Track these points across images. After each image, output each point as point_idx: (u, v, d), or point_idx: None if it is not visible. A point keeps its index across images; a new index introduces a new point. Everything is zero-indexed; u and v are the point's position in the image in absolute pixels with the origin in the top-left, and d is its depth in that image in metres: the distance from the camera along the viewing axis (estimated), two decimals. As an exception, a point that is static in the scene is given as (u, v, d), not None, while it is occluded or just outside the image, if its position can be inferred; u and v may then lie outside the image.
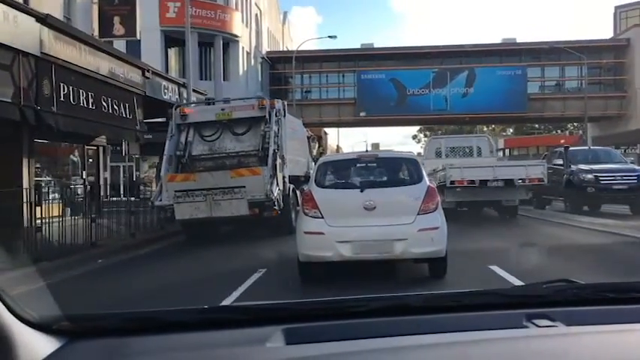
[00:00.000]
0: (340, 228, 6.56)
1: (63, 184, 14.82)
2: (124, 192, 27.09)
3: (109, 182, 25.08)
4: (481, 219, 15.76)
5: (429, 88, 40.52)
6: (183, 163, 12.82)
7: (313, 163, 13.38)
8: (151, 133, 21.06)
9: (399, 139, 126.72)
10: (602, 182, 15.05)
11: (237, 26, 34.74)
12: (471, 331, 1.45)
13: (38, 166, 15.71)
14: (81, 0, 17.58)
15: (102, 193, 16.88)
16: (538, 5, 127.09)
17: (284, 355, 1.35)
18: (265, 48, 42.21)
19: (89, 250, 10.41)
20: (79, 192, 14.32)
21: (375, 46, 43.56)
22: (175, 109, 13.30)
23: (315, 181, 7.12)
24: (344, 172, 7.50)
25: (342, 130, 55.28)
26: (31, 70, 9.83)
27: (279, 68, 42.27)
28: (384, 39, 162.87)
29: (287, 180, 12.67)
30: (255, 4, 39.64)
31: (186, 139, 12.99)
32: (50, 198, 11.68)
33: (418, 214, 6.58)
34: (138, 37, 18.68)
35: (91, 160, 17.40)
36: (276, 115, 12.67)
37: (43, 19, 9.95)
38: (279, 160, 12.20)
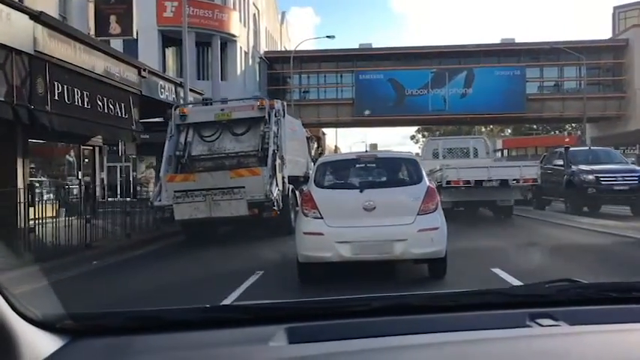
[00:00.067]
0: (340, 228, 6.52)
1: (58, 184, 14.68)
2: (120, 192, 27.02)
3: (105, 183, 24.96)
4: (480, 220, 15.66)
5: (428, 89, 40.41)
6: (182, 163, 12.80)
7: (312, 164, 13.30)
8: (148, 133, 20.92)
9: (397, 140, 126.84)
10: (603, 183, 14.92)
11: (235, 26, 34.59)
12: (474, 330, 1.45)
13: (33, 166, 15.56)
14: (77, -2, 17.42)
15: (98, 194, 16.73)
16: (537, 6, 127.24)
17: (287, 354, 1.35)
18: (263, 48, 42.07)
19: (83, 251, 10.25)
20: (75, 192, 14.19)
21: (374, 46, 43.46)
22: (175, 110, 13.29)
23: (315, 181, 7.09)
24: (343, 172, 7.46)
25: (340, 130, 55.23)
26: (24, 69, 9.67)
27: (277, 68, 42.14)
28: (383, 39, 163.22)
29: (286, 180, 12.66)
30: (253, 4, 39.49)
31: (186, 139, 12.98)
32: (45, 198, 11.58)
33: (418, 214, 6.55)
34: (134, 36, 18.49)
35: (86, 160, 17.25)
36: (275, 116, 12.66)
37: (37, 17, 9.79)
38: (278, 161, 12.19)
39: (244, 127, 12.99)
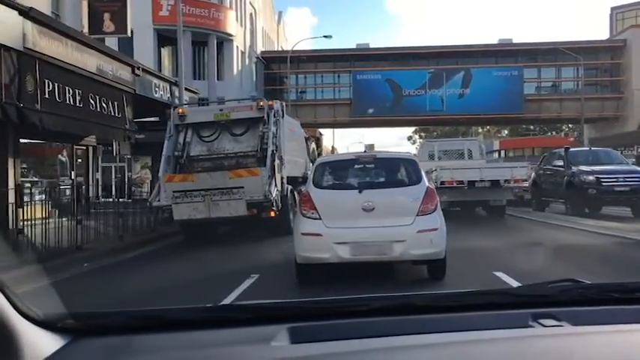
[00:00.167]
0: (338, 229, 6.47)
1: (50, 184, 14.41)
2: (115, 193, 26.73)
3: (100, 183, 24.66)
4: (479, 221, 15.49)
5: (425, 89, 40.27)
6: (181, 163, 12.77)
7: (311, 164, 13.26)
8: (143, 132, 20.64)
9: (394, 141, 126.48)
10: (604, 184, 14.72)
11: (232, 25, 34.33)
12: (476, 330, 1.44)
13: (25, 166, 15.32)
14: (70, -4, 17.15)
15: (92, 194, 16.47)
16: (534, 6, 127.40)
17: (289, 353, 1.35)
18: (260, 48, 41.82)
19: (74, 253, 9.97)
20: (68, 193, 13.93)
21: (371, 47, 43.26)
22: (174, 110, 13.28)
23: (313, 181, 7.02)
24: (342, 172, 7.43)
25: (337, 130, 55.09)
26: (13, 66, 9.39)
27: (274, 68, 41.92)
28: (380, 40, 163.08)
29: (285, 181, 12.64)
30: (250, 4, 39.25)
31: (185, 139, 12.95)
32: (37, 199, 11.30)
33: (417, 215, 6.50)
34: (129, 35, 18.23)
35: (79, 160, 17.00)
36: (274, 116, 12.64)
37: (26, 13, 9.52)
38: (277, 161, 12.17)
39: (243, 128, 12.97)
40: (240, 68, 36.65)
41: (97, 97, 12.32)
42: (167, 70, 30.72)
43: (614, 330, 1.46)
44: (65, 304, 1.78)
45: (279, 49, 48.13)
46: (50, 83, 10.46)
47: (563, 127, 63.56)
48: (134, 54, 25.11)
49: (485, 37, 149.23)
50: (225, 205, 11.27)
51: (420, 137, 72.51)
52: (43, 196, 11.52)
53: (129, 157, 27.28)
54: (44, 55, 10.24)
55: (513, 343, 1.40)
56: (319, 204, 6.66)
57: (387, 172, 7.44)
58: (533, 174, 19.07)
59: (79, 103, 11.49)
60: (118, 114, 13.32)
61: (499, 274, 6.99)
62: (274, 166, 12.00)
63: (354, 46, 42.85)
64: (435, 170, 15.42)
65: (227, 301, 6.08)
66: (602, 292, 1.69)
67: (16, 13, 9.33)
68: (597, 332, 1.45)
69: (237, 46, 35.86)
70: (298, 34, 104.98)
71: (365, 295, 1.66)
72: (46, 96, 10.32)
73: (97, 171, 25.44)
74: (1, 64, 9.11)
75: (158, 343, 1.45)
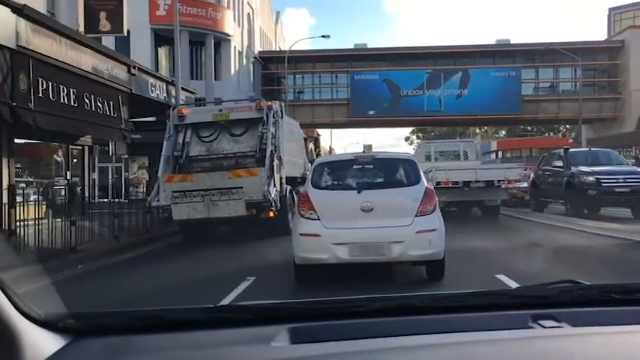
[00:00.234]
0: (337, 230, 6.45)
1: (45, 185, 14.25)
2: (112, 193, 26.58)
3: (97, 183, 24.48)
4: (478, 223, 15.36)
5: (423, 89, 40.14)
6: (180, 163, 12.79)
7: (310, 165, 13.28)
8: (140, 132, 20.50)
9: (392, 141, 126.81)
10: (604, 185, 14.60)
11: (229, 25, 34.18)
12: (476, 331, 1.44)
13: (19, 166, 15.14)
14: (66, -6, 16.98)
15: (88, 194, 16.30)
16: (532, 7, 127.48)
17: (289, 354, 1.35)
18: (257, 48, 41.66)
19: (68, 255, 9.81)
20: (63, 193, 13.76)
21: (369, 47, 43.13)
22: (173, 110, 13.32)
23: (312, 182, 6.99)
24: (341, 173, 7.37)
25: (335, 131, 54.94)
26: (6, 64, 9.24)
27: (272, 68, 41.75)
28: (378, 41, 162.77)
29: (284, 181, 12.70)
30: (248, 3, 39.09)
31: (184, 139, 12.97)
32: (32, 200, 11.13)
33: (416, 215, 6.49)
34: (125, 34, 18.05)
35: (75, 160, 16.82)
36: (273, 117, 12.68)
37: (20, 10, 9.37)
38: (276, 161, 12.20)
39: (242, 128, 12.99)
40: (237, 68, 36.49)
41: (92, 97, 12.17)
42: (164, 70, 30.55)
43: (614, 331, 1.46)
44: (66, 305, 1.77)
45: (277, 49, 47.95)
46: (44, 82, 10.31)
47: (561, 128, 63.58)
48: (131, 54, 24.94)
49: (483, 38, 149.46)
50: (224, 205, 11.30)
51: (418, 138, 72.47)
52: (37, 197, 11.34)
53: (126, 157, 27.15)
54: (38, 53, 10.10)
55: (513, 344, 1.40)
56: (318, 204, 6.61)
57: (386, 172, 7.41)
58: (532, 174, 19.01)
59: (74, 103, 11.34)
60: (114, 113, 13.17)
61: (501, 276, 6.86)
62: (273, 166, 12.02)
63: (351, 47, 42.72)
64: (431, 171, 15.60)
65: (223, 303, 5.95)
66: (603, 293, 1.69)
67: (8, 10, 9.20)
68: (597, 333, 1.45)
69: (234, 46, 35.71)
70: (296, 34, 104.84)
71: (364, 296, 1.65)
72: (40, 95, 10.18)
73: (94, 171, 25.27)
74: (-7, 62, 8.96)
75: (158, 344, 1.45)
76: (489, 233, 12.81)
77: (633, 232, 11.17)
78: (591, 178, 14.81)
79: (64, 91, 10.95)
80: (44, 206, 11.40)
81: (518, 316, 1.53)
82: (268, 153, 12.10)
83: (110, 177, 28.82)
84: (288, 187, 12.97)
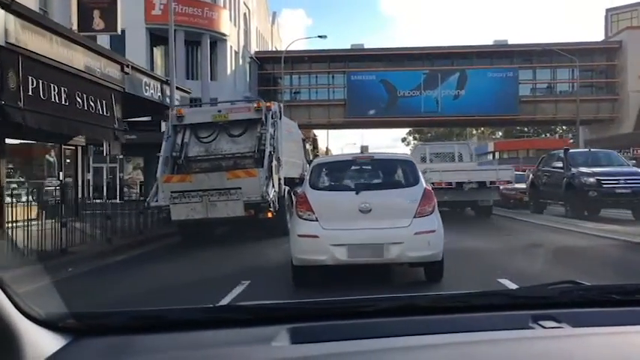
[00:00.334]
0: (335, 231, 6.41)
1: (37, 185, 13.99)
2: (107, 194, 26.33)
3: (91, 184, 24.22)
4: (478, 225, 15.18)
5: (420, 90, 39.96)
6: (179, 164, 12.82)
7: (308, 165, 13.39)
8: (134, 133, 20.25)
9: (388, 142, 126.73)
10: (605, 186, 14.41)
11: (225, 25, 33.94)
12: (477, 331, 1.44)
13: (11, 166, 14.88)
14: (58, -8, 16.73)
15: (82, 195, 16.04)
16: (529, 8, 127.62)
17: (289, 354, 1.35)
18: (254, 48, 41.43)
19: (59, 257, 9.57)
20: (55, 194, 13.51)
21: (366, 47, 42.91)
22: (172, 111, 13.38)
23: (310, 182, 6.95)
24: (339, 173, 7.37)
25: (331, 132, 54.69)
26: (-6, 61, 8.99)
27: (268, 68, 41.54)
28: (375, 41, 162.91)
29: (282, 182, 12.77)
30: (244, 3, 38.87)
31: (183, 140, 12.99)
32: (22, 200, 10.89)
33: (414, 217, 6.46)
34: (119, 32, 17.81)
35: (68, 160, 16.56)
36: (272, 118, 12.74)
37: (8, 6, 9.11)
38: (274, 162, 12.24)
39: (241, 129, 13.01)
40: (233, 68, 36.25)
41: (85, 96, 11.91)
42: (160, 70, 30.28)
43: (614, 332, 1.46)
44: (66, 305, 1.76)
45: (273, 49, 47.74)
46: (34, 80, 10.06)
47: (557, 129, 63.52)
48: (126, 53, 24.67)
49: (481, 39, 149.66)
50: (222, 205, 11.34)
51: (414, 139, 72.37)
52: (29, 198, 11.08)
53: (120, 157, 26.88)
54: (27, 50, 9.83)
55: (513, 345, 1.40)
56: (316, 205, 6.55)
57: (385, 173, 7.36)
58: (530, 176, 18.86)
59: (65, 101, 11.08)
60: (107, 113, 12.92)
61: (504, 281, 6.65)
62: (272, 167, 12.05)
63: (348, 47, 42.51)
64: (426, 172, 15.70)
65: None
66: (603, 293, 1.69)
67: (-3, 6, 8.93)
68: (597, 334, 1.45)
69: (230, 46, 35.46)
70: (293, 35, 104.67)
71: (365, 296, 1.65)
72: (30, 93, 9.92)
73: (89, 172, 24.99)
74: (-20, 59, 8.70)
75: (159, 344, 1.45)
76: (490, 235, 12.62)
77: (635, 234, 10.98)
78: (592, 179, 14.63)
79: (54, 90, 10.69)
80: (35, 207, 11.15)
81: (519, 316, 1.53)
82: (267, 154, 12.11)
83: (105, 178, 28.56)
84: (287, 188, 13.00)
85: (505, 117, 41.43)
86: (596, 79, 40.84)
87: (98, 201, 18.29)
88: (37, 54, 10.14)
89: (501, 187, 20.00)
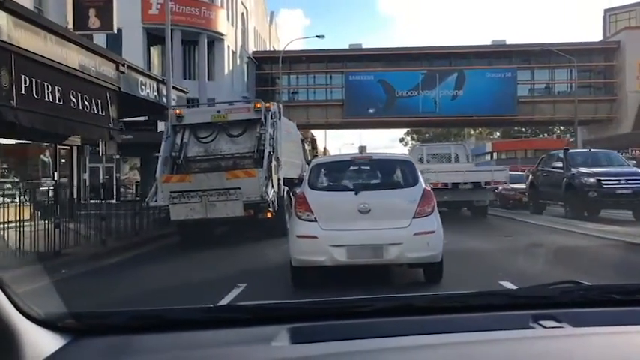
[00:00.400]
0: (334, 231, 6.38)
1: (33, 186, 13.83)
2: (103, 194, 26.15)
3: (88, 184, 24.03)
4: (478, 227, 15.06)
5: (418, 90, 39.84)
6: (178, 164, 12.85)
7: (307, 166, 13.35)
8: (131, 133, 20.08)
9: (386, 143, 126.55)
10: (605, 186, 14.28)
11: (223, 24, 33.77)
12: (477, 331, 1.44)
13: (5, 167, 14.72)
14: (54, -10, 16.56)
15: (77, 196, 15.87)
16: (528, 8, 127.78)
17: (289, 353, 1.35)
18: (251, 48, 41.26)
19: (52, 259, 9.39)
20: (51, 195, 13.35)
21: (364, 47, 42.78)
22: (171, 111, 13.44)
23: (309, 183, 6.91)
24: (338, 174, 7.35)
25: (329, 132, 54.57)
26: (-15, 59, 8.83)
27: (266, 68, 41.38)
28: (373, 42, 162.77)
29: (282, 182, 12.82)
30: (242, 3, 38.70)
31: (182, 140, 13.02)
32: (17, 201, 10.72)
33: (414, 217, 6.44)
34: (115, 31, 17.65)
35: (63, 160, 16.40)
36: (271, 118, 12.76)
37: (1, 4, 8.96)
38: (274, 163, 12.26)
39: (240, 129, 13.04)
40: (231, 68, 36.08)
41: (79, 95, 11.76)
42: (157, 70, 30.11)
43: (614, 331, 1.45)
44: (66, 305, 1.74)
45: (271, 49, 47.58)
46: (27, 79, 9.90)
47: (555, 130, 63.48)
48: (123, 53, 24.49)
49: (479, 39, 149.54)
50: (222, 205, 11.36)
51: (412, 139, 72.24)
52: (19, 198, 10.91)
53: (117, 157, 26.72)
54: (20, 48, 9.68)
55: (514, 345, 1.40)
56: (315, 206, 6.52)
57: (384, 173, 7.35)
58: (530, 176, 18.76)
59: (59, 100, 10.92)
60: (102, 112, 12.76)
61: (505, 283, 6.51)
62: (271, 167, 12.07)
63: (346, 47, 42.39)
64: (423, 173, 15.84)
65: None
66: (603, 293, 1.69)
67: (-11, 3, 8.78)
68: (598, 333, 1.45)
69: (228, 46, 35.30)
70: (290, 35, 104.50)
71: (365, 296, 1.65)
72: (23, 92, 9.76)
73: (85, 172, 24.80)
74: (-28, 57, 8.54)
75: (158, 343, 1.44)
76: (490, 236, 12.50)
77: (637, 234, 10.85)
78: (592, 180, 14.51)
79: (48, 89, 10.53)
80: (28, 208, 10.98)
81: (519, 316, 1.53)
82: (266, 154, 12.12)
83: (101, 178, 28.37)
84: (286, 189, 13.04)
85: (503, 117, 41.34)
86: (595, 79, 40.79)
87: (93, 201, 18.12)
88: (31, 52, 10.00)
89: (500, 188, 20.09)
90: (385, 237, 6.31)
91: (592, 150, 18.23)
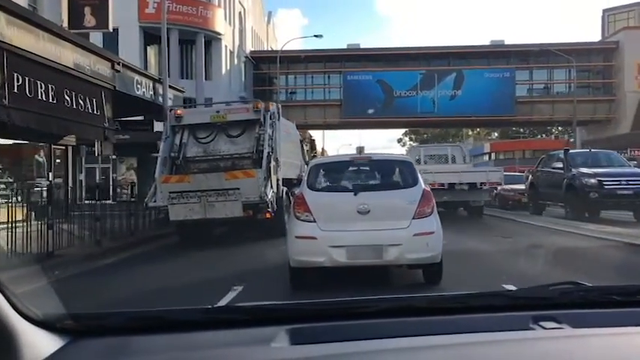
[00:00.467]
0: (333, 232, 6.34)
1: (27, 186, 13.65)
2: (99, 195, 25.94)
3: (84, 184, 23.85)
4: (478, 228, 14.92)
5: (417, 90, 39.71)
6: (177, 164, 12.88)
7: (306, 166, 13.34)
8: (127, 132, 19.89)
9: (384, 143, 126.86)
10: (607, 187, 14.14)
11: (220, 24, 33.60)
12: (477, 332, 1.44)
13: (0, 167, 14.56)
14: (48, -12, 16.41)
15: (71, 196, 15.69)
16: (526, 8, 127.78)
17: (288, 355, 1.35)
18: (249, 47, 41.08)
19: (45, 260, 9.22)
20: (45, 195, 13.19)
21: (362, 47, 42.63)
22: (170, 112, 13.45)
23: (307, 183, 6.86)
24: (337, 174, 7.26)
25: (327, 132, 54.40)
26: (-23, 57, 8.64)
27: (264, 68, 41.19)
28: (371, 42, 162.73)
29: (281, 182, 12.82)
30: (239, 2, 38.53)
31: (181, 140, 13.04)
32: (8, 201, 10.56)
33: (413, 218, 6.40)
34: (110, 29, 17.51)
35: (58, 160, 16.22)
36: (270, 118, 12.76)
37: (-7, 0, 8.76)
38: (273, 163, 12.27)
39: (239, 130, 13.03)
40: (228, 68, 35.90)
41: (73, 93, 11.56)
42: (154, 70, 29.90)
43: (614, 332, 1.45)
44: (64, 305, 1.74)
45: (269, 49, 47.40)
46: (19, 77, 9.71)
47: (553, 130, 63.42)
48: (119, 52, 24.31)
49: (478, 39, 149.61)
50: (221, 206, 11.37)
51: (410, 139, 72.11)
52: (12, 199, 10.72)
53: (113, 157, 26.53)
54: (13, 46, 9.49)
55: (514, 346, 1.40)
56: (313, 206, 6.47)
57: (383, 174, 7.31)
58: (529, 177, 18.64)
59: (53, 99, 10.73)
60: (97, 111, 12.57)
61: (509, 287, 6.35)
62: (270, 167, 12.07)
63: (344, 47, 42.23)
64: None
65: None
66: (603, 294, 1.69)
67: (-20, -1, 8.59)
68: (598, 335, 1.44)
69: (225, 46, 35.12)
70: (288, 35, 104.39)
71: (365, 297, 1.65)
72: (15, 90, 9.57)
73: (81, 172, 24.61)
74: (-38, 54, 8.35)
75: (157, 344, 1.44)
76: (490, 237, 12.35)
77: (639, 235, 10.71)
78: (593, 180, 14.37)
79: (41, 87, 10.34)
80: (21, 208, 10.80)
81: (519, 317, 1.53)
82: (265, 154, 12.11)
83: (97, 178, 28.17)
84: (285, 189, 13.03)
85: (502, 117, 41.24)
86: (593, 79, 40.69)
87: (87, 202, 17.94)
88: (24, 50, 9.81)
89: (499, 188, 20.04)
90: (384, 238, 6.26)
91: (592, 150, 18.08)
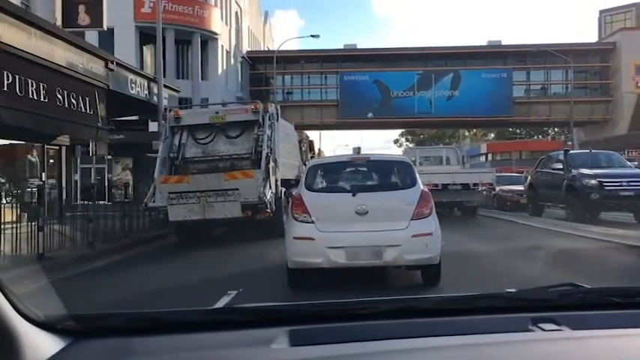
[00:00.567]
0: (331, 233, 6.30)
1: (20, 186, 13.42)
2: (95, 195, 25.68)
3: (79, 185, 23.60)
4: (479, 229, 14.77)
5: (414, 91, 39.61)
6: (176, 165, 12.92)
7: (304, 167, 12.91)
8: (122, 132, 19.66)
9: (380, 144, 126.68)
10: (607, 188, 13.98)
11: (216, 23, 33.40)
12: (477, 334, 1.44)
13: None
14: (42, -14, 16.14)
15: (66, 197, 15.46)
16: (523, 8, 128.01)
17: (289, 356, 1.36)
18: (246, 47, 40.91)
19: (35, 263, 8.99)
20: (33, 196, 12.99)
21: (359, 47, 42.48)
22: (169, 112, 13.49)
23: (306, 184, 6.78)
24: (335, 175, 7.25)
25: (323, 133, 54.23)
26: (-35, 55, 8.43)
27: (260, 68, 41.03)
28: (368, 42, 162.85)
29: (279, 183, 12.84)
30: (236, 2, 38.36)
31: (180, 141, 13.09)
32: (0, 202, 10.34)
33: (412, 219, 6.36)
34: (104, 28, 17.26)
35: (52, 160, 15.98)
36: (269, 119, 12.82)
37: (-18, -3, 8.55)
38: (272, 164, 12.32)
39: (238, 130, 13.08)
40: (225, 68, 35.70)
41: (66, 92, 11.37)
42: (149, 70, 29.69)
43: (614, 334, 1.45)
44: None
45: (266, 49, 47.23)
46: (9, 75, 9.52)
47: (550, 131, 63.38)
48: (115, 52, 24.10)
49: (475, 39, 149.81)
50: (220, 206, 11.40)
51: (407, 140, 72.01)
52: (2, 200, 10.49)
53: (109, 158, 26.31)
54: (3, 44, 9.29)
55: (513, 347, 1.40)
56: (311, 207, 6.42)
57: (381, 174, 7.30)
58: (529, 177, 18.52)
59: (44, 98, 10.53)
60: (90, 111, 12.37)
61: (509, 289, 6.19)
62: (269, 168, 12.11)
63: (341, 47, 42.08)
64: None
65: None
66: (603, 296, 1.68)
67: (-32, -5, 8.38)
68: (597, 336, 1.44)
69: (222, 45, 34.92)
70: (285, 35, 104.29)
71: (365, 299, 1.65)
72: (5, 89, 9.39)
73: (76, 172, 24.34)
74: (-50, 51, 8.14)
75: (158, 346, 1.44)
76: (490, 238, 12.20)
77: None
78: (593, 181, 14.21)
79: (32, 86, 10.14)
80: (13, 210, 10.58)
81: (519, 319, 1.52)
82: (264, 155, 12.15)
83: (93, 178, 27.93)
84: (284, 190, 13.07)
85: (499, 118, 41.17)
86: (591, 80, 40.68)
87: (80, 202, 17.70)
88: (14, 47, 9.62)
89: (497, 189, 19.95)
90: (383, 239, 6.23)
91: (593, 151, 17.94)
